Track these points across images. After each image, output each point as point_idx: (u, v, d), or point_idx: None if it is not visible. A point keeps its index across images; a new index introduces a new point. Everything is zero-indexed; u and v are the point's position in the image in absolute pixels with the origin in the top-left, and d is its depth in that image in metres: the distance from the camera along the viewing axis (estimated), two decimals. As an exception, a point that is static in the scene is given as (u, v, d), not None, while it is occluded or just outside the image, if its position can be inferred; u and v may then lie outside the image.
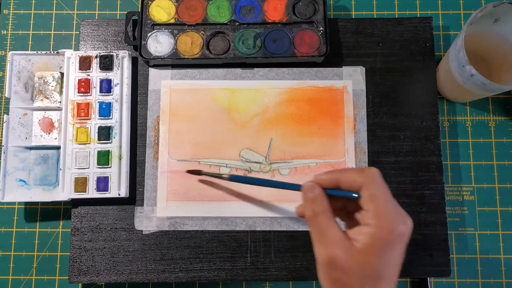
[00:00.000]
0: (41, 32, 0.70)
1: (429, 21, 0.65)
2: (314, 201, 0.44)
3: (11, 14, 0.71)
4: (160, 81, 0.63)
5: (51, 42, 0.70)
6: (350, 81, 0.63)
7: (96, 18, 0.70)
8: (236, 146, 0.62)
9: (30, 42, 0.70)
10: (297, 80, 0.63)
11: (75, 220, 0.61)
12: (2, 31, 0.70)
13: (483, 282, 0.63)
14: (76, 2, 0.71)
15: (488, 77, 0.55)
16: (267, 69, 0.64)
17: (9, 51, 0.67)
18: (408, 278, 0.62)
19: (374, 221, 0.40)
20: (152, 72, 0.64)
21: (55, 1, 0.71)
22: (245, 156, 0.62)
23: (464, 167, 0.66)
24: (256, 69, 0.64)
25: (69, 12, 0.71)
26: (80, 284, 0.62)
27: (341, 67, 0.64)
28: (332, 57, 0.64)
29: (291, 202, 0.60)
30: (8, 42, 0.70)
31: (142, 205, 0.61)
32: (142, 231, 0.60)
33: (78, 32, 0.68)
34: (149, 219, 0.60)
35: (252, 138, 0.62)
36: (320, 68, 0.64)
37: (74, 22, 0.70)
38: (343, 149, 0.62)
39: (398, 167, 0.61)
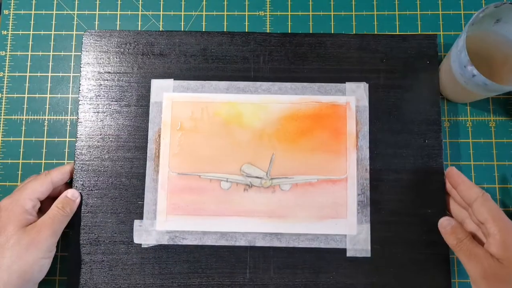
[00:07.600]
0: (42, 32, 0.70)
1: (433, 38, 0.64)
2: (455, 231, 0.54)
3: (11, 14, 0.70)
4: (162, 94, 0.63)
5: (52, 43, 0.69)
6: (353, 97, 0.63)
7: (97, 18, 0.69)
8: (237, 160, 0.61)
9: (30, 43, 0.69)
10: (300, 95, 0.63)
11: (73, 232, 0.61)
12: (3, 31, 0.70)
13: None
14: (76, 2, 0.70)
15: (490, 77, 0.55)
16: (270, 83, 0.63)
17: (9, 51, 0.68)
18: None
19: (497, 233, 0.50)
20: (155, 84, 0.63)
21: (55, 1, 0.70)
22: (246, 171, 0.61)
23: (465, 168, 0.65)
24: (259, 83, 0.63)
25: (69, 12, 0.70)
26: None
27: (344, 83, 0.63)
28: (335, 72, 0.63)
29: (291, 218, 0.60)
30: (9, 43, 0.70)
31: (141, 218, 0.61)
32: (141, 244, 0.60)
33: (79, 32, 0.68)
34: (149, 232, 0.60)
35: (253, 153, 0.62)
36: (323, 84, 0.63)
37: (75, 22, 0.69)
38: (345, 166, 0.61)
39: (399, 185, 0.61)
